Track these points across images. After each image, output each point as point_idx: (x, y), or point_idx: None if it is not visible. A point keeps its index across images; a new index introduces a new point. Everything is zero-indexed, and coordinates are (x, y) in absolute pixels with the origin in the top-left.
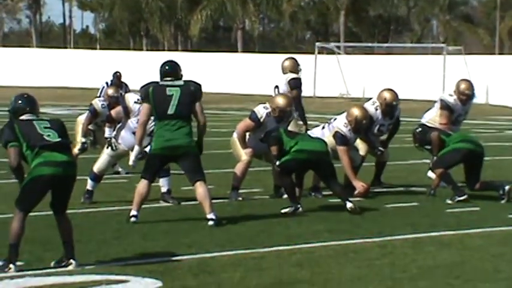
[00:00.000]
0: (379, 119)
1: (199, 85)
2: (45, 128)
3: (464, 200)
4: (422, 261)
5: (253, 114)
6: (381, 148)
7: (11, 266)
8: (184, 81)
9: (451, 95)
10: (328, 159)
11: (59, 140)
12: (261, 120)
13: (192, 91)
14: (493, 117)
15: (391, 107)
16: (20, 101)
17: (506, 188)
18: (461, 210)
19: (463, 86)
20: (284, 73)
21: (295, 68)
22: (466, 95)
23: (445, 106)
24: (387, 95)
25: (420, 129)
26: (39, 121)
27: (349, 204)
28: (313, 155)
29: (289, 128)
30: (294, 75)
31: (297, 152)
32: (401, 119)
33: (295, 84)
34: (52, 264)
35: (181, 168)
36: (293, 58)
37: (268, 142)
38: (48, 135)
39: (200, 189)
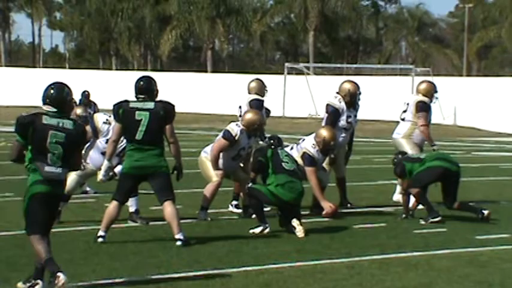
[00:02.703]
0: (344, 110)
1: (172, 106)
2: (57, 142)
3: (438, 221)
4: (390, 282)
5: (227, 133)
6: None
7: (39, 281)
8: (156, 103)
9: (424, 96)
10: (296, 209)
11: (55, 170)
12: (236, 138)
13: (162, 116)
14: (460, 138)
15: (354, 97)
16: (52, 90)
17: (485, 212)
18: (428, 231)
19: (425, 85)
20: (249, 93)
21: (261, 89)
22: (432, 91)
23: (423, 107)
24: (349, 86)
25: (398, 158)
26: (56, 131)
27: (300, 234)
28: (283, 204)
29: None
30: (256, 97)
31: (271, 194)
32: (370, 139)
33: (257, 106)
34: (19, 284)
35: (151, 188)
36: (259, 80)
37: (252, 164)
38: (53, 154)
39: (168, 208)
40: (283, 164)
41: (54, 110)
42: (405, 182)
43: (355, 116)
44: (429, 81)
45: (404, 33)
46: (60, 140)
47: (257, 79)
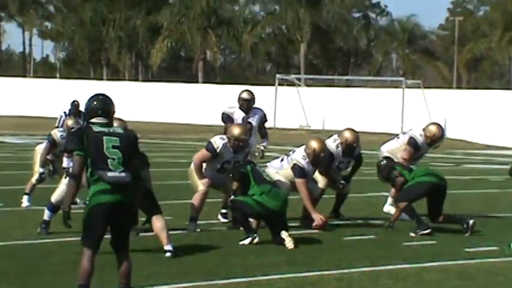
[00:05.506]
0: (339, 156)
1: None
2: (113, 147)
3: (428, 233)
4: None
5: (210, 145)
6: (342, 182)
7: None
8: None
9: (421, 135)
10: (282, 218)
11: (118, 174)
12: (217, 150)
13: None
14: (450, 150)
15: (351, 148)
16: (94, 102)
17: (470, 222)
18: (418, 244)
19: (435, 131)
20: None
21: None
22: (436, 140)
23: (413, 144)
24: (349, 136)
25: (385, 162)
26: (109, 136)
27: (289, 245)
28: (269, 213)
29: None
30: (224, 110)
31: (256, 202)
32: (360, 151)
33: (222, 119)
34: None
35: None
36: (248, 91)
37: (233, 174)
38: (113, 159)
39: (157, 223)
40: (263, 175)
41: (104, 121)
42: (396, 189)
43: (349, 161)
44: (441, 128)
45: (395, 45)
46: (116, 144)
47: (246, 90)
